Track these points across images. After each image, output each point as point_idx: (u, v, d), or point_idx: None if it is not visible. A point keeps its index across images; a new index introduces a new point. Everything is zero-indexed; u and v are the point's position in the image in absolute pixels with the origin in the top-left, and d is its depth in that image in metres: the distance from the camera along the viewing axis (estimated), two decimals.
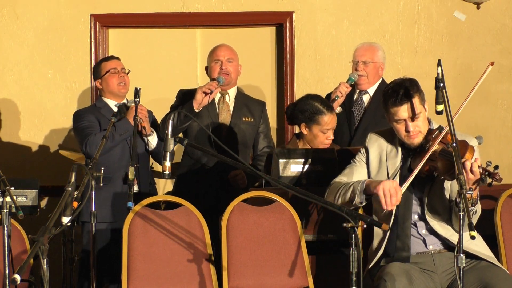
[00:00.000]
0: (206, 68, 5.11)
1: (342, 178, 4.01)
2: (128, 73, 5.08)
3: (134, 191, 4.77)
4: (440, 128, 3.84)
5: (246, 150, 5.07)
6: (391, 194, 3.67)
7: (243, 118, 5.06)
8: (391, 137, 3.98)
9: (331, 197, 3.94)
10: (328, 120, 4.68)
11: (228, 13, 6.39)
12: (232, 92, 5.10)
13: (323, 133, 4.68)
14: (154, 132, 4.98)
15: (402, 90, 3.77)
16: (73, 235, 5.37)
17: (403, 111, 3.78)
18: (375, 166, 3.98)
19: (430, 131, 3.85)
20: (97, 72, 5.08)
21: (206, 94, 4.79)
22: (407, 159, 3.89)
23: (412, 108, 3.77)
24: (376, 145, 4.01)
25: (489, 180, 3.58)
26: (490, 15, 6.35)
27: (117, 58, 5.14)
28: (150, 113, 5.05)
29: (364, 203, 3.85)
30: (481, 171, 3.56)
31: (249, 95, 5.39)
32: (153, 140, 4.98)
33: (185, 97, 4.98)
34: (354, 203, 3.84)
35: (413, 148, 3.86)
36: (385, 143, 3.99)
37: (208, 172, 5.00)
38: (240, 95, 5.16)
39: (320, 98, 4.79)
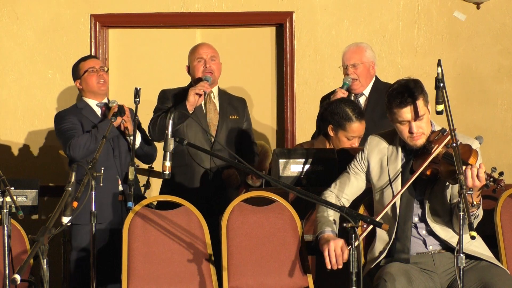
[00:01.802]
0: (188, 68, 5.10)
1: (333, 192, 4.02)
2: (107, 71, 5.04)
3: (119, 189, 4.78)
4: (443, 130, 3.82)
5: (233, 147, 5.06)
6: (336, 255, 3.72)
7: (229, 116, 5.07)
8: (392, 139, 3.97)
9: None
10: (355, 128, 4.61)
11: (228, 13, 6.38)
12: (215, 91, 5.10)
13: (348, 139, 4.64)
14: (138, 132, 4.94)
15: (407, 91, 3.76)
16: None
17: (407, 112, 3.76)
18: (377, 172, 3.97)
19: (432, 133, 3.84)
20: (76, 73, 5.02)
21: (199, 95, 4.79)
22: (409, 161, 3.88)
23: (416, 109, 3.76)
24: (377, 150, 3.99)
25: (493, 186, 3.57)
26: (490, 15, 6.35)
27: (95, 57, 5.12)
28: (131, 111, 5.03)
29: None
30: (486, 177, 3.56)
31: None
32: (136, 140, 4.97)
33: (176, 98, 4.97)
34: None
35: (415, 149, 3.86)
36: (386, 147, 3.97)
37: (202, 173, 4.99)
38: (222, 93, 5.16)
39: (352, 103, 4.73)
